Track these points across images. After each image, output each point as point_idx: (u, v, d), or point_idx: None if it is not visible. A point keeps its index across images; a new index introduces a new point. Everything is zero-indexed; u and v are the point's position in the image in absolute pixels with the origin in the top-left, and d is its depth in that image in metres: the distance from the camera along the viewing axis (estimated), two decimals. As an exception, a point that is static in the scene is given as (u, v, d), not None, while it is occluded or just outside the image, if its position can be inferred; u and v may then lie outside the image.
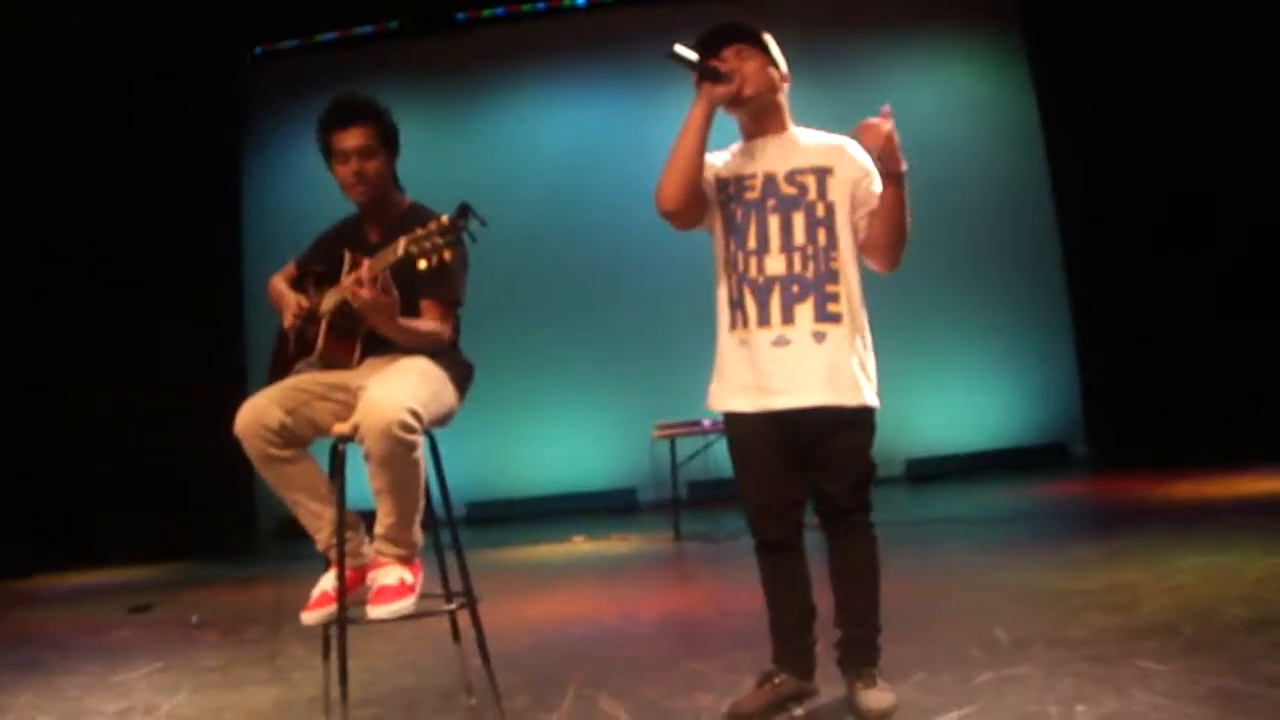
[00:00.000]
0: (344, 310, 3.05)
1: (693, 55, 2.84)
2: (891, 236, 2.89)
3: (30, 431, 8.45)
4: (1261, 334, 8.33)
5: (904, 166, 2.80)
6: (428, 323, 3.06)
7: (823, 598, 3.03)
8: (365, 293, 2.82)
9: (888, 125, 2.74)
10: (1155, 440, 8.64)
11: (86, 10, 8.09)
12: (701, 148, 2.88)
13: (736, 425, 3.00)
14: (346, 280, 2.92)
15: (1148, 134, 8.95)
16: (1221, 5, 8.27)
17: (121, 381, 8.80)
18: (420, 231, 2.71)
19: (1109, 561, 4.90)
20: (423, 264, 2.71)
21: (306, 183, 9.53)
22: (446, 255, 2.70)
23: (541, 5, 10.38)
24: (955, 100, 10.28)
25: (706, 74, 2.85)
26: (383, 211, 3.25)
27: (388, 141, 3.23)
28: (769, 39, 2.98)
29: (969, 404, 9.94)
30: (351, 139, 3.16)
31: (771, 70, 2.96)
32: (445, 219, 2.70)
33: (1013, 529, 6.49)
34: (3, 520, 7.82)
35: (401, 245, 2.75)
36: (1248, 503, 6.24)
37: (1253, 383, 8.23)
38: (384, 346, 3.07)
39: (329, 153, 3.21)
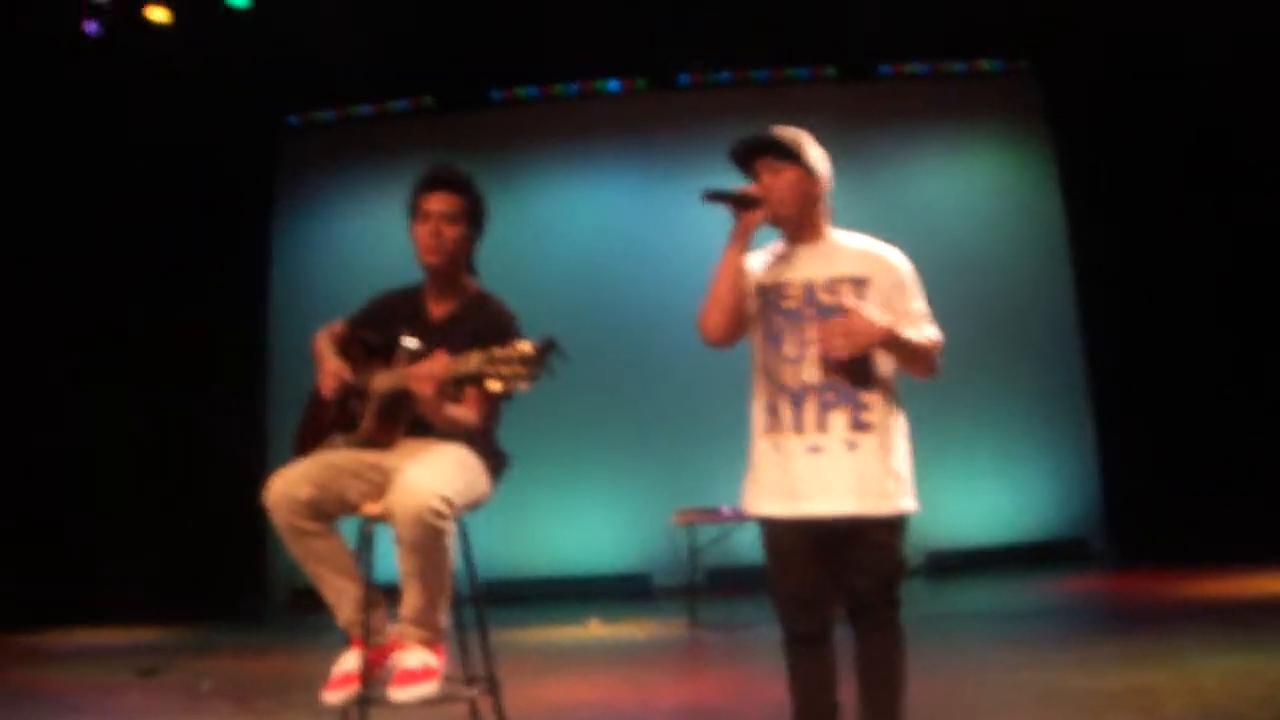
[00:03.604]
0: (398, 396, 3.07)
1: (720, 190, 2.87)
2: (908, 369, 2.96)
3: (46, 486, 8.47)
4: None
5: (882, 332, 2.81)
6: (468, 412, 3.06)
7: (846, 693, 2.99)
8: (431, 391, 2.85)
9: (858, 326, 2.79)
10: (1175, 537, 8.54)
11: (119, 69, 8.21)
12: (740, 278, 2.91)
13: (769, 528, 2.99)
14: (416, 370, 2.93)
15: (1170, 227, 8.96)
16: (1247, 90, 8.31)
17: (141, 442, 8.83)
18: (499, 353, 2.72)
19: (1129, 661, 4.85)
20: (496, 386, 2.72)
21: (336, 253, 9.76)
22: (523, 387, 2.72)
23: (574, 88, 10.50)
24: (978, 192, 10.32)
25: (739, 204, 2.89)
26: (450, 288, 3.27)
27: (472, 216, 3.27)
28: (805, 143, 2.96)
29: (989, 497, 9.83)
30: (437, 202, 3.21)
31: (806, 182, 2.95)
32: (531, 349, 2.72)
33: (1032, 625, 6.42)
34: (14, 573, 7.81)
35: (476, 362, 2.76)
36: (1269, 602, 6.18)
37: (1276, 481, 8.15)
38: (422, 429, 3.08)
39: (414, 213, 3.26)
